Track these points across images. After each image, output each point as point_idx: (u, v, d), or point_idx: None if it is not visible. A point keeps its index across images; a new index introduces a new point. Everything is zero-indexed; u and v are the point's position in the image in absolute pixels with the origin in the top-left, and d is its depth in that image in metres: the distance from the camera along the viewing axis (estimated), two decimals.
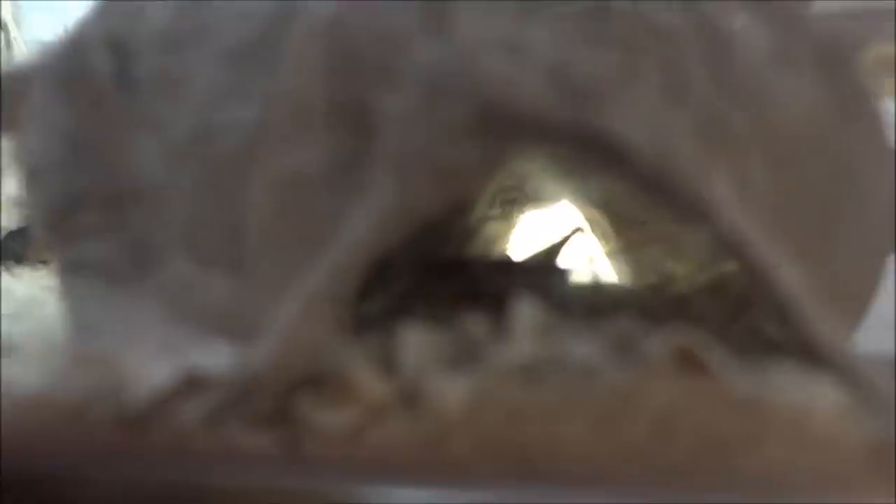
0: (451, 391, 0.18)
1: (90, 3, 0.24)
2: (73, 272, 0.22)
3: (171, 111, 0.21)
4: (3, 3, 0.50)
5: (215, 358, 0.19)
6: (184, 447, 0.18)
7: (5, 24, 0.48)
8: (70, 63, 0.22)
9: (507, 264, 0.32)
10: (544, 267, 0.31)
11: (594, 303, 0.25)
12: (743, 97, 0.21)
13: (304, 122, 0.20)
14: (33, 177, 0.22)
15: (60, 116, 0.22)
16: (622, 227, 0.31)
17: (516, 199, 0.33)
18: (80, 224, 0.22)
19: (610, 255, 0.33)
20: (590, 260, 0.33)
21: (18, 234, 0.41)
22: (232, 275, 0.20)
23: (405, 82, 0.18)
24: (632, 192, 0.22)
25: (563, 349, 0.19)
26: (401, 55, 0.18)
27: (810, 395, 0.18)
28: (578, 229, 0.32)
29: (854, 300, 0.25)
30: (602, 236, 0.34)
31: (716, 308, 0.26)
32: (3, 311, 0.28)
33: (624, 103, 0.18)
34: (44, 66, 0.23)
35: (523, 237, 0.35)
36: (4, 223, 0.43)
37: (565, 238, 0.32)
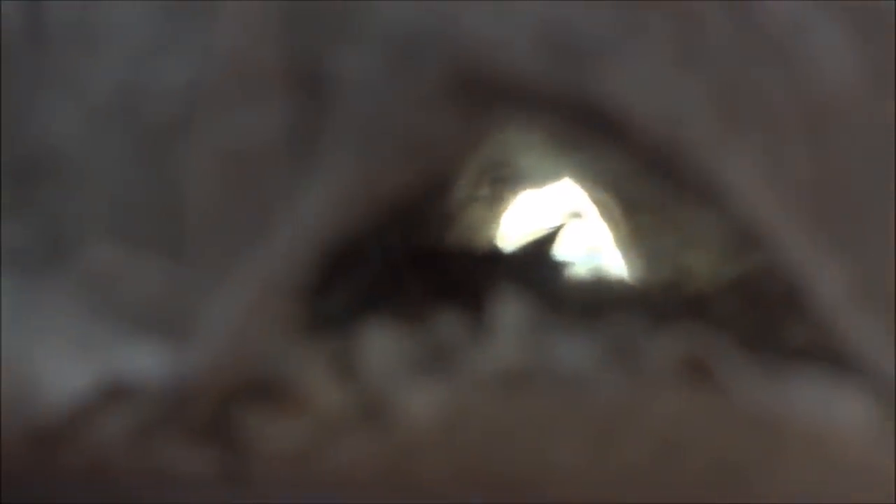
0: (421, 403, 0.18)
1: None
2: None
3: (91, 68, 0.21)
4: None
5: (144, 360, 0.19)
6: (106, 466, 0.19)
7: None
8: None
9: (492, 255, 0.32)
10: (536, 258, 0.31)
11: (594, 301, 0.26)
12: (772, 58, 0.21)
13: (250, 84, 0.20)
14: None
15: None
16: (633, 212, 0.32)
17: (508, 178, 0.33)
18: None
19: (619, 244, 0.34)
20: (593, 250, 0.33)
21: None
22: (165, 261, 0.21)
23: (369, 39, 0.18)
24: (640, 171, 0.22)
25: (553, 355, 0.19)
26: (366, 8, 0.19)
27: (838, 412, 0.18)
28: (577, 214, 0.33)
29: None
30: (611, 222, 0.34)
31: (740, 309, 0.26)
32: None
33: (627, 65, 0.19)
34: None
35: (515, 223, 0.35)
36: None
37: (562, 224, 0.33)
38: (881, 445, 0.19)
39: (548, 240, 0.32)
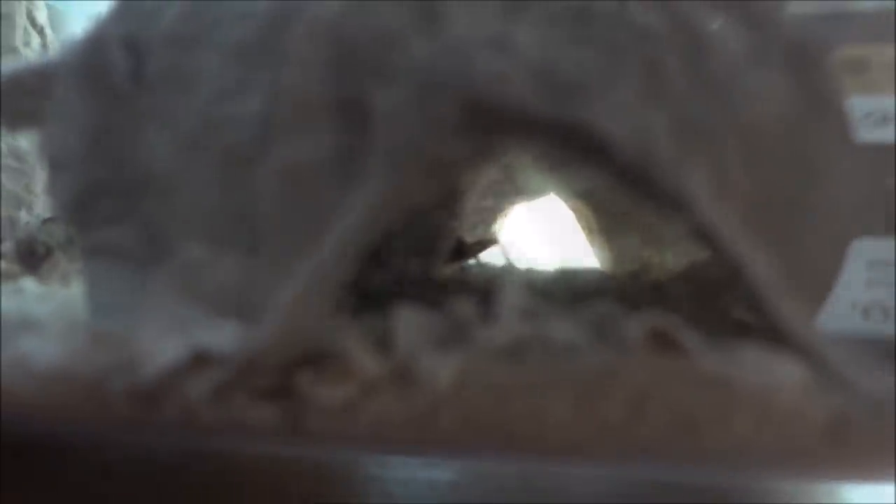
0: (441, 370, 0.17)
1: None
2: (94, 256, 0.21)
3: (182, 106, 0.20)
4: (41, 7, 0.49)
5: (221, 337, 0.18)
6: (192, 419, 0.18)
7: (42, 28, 0.47)
8: (90, 61, 0.21)
9: (496, 251, 0.31)
10: (530, 253, 0.30)
11: (577, 288, 0.24)
12: (718, 96, 0.20)
13: (306, 115, 0.19)
14: (56, 168, 0.22)
15: (81, 112, 0.21)
16: (604, 218, 0.30)
17: (507, 192, 0.32)
18: (100, 212, 0.21)
19: (593, 243, 0.32)
20: (573, 248, 0.32)
21: (49, 223, 0.40)
22: (240, 258, 0.20)
23: (399, 78, 0.17)
24: (613, 184, 0.21)
25: (545, 331, 0.18)
26: (395, 53, 0.17)
27: (775, 375, 0.17)
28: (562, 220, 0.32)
29: (818, 285, 0.24)
30: (586, 226, 0.33)
31: (689, 293, 0.25)
32: (32, 292, 0.27)
33: (606, 100, 0.17)
34: (66, 65, 0.22)
35: (514, 226, 0.34)
36: (39, 212, 0.43)
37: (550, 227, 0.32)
38: (809, 399, 0.17)
39: (539, 239, 0.31)
